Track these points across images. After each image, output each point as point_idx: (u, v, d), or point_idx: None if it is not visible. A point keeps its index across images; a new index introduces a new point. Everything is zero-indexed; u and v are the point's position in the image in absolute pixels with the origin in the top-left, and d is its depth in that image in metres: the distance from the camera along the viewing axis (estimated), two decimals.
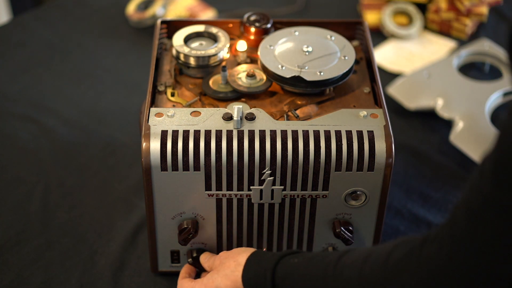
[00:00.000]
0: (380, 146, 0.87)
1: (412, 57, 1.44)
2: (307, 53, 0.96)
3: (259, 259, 0.84)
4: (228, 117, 0.89)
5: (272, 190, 0.90)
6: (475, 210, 0.61)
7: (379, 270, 0.70)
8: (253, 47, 1.01)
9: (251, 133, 0.87)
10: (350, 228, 0.93)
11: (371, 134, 0.88)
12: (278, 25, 1.04)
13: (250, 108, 0.92)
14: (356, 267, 0.73)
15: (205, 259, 0.93)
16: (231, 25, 1.05)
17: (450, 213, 0.66)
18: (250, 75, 0.96)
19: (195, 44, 1.00)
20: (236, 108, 0.88)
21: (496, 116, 1.27)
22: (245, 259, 0.85)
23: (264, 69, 0.95)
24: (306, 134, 0.87)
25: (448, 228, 0.65)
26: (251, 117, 0.89)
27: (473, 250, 0.62)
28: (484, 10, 1.48)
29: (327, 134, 0.87)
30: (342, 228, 0.92)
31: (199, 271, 0.97)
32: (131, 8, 1.51)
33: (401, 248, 0.70)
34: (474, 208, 0.62)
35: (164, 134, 0.87)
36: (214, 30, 1.01)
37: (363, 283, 0.72)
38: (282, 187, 0.89)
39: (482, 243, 0.61)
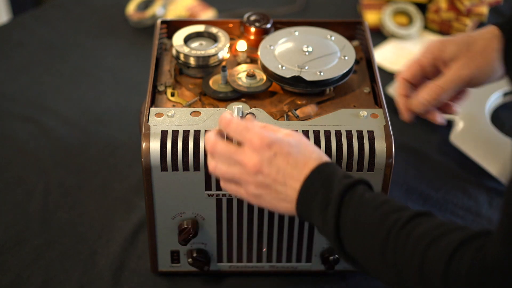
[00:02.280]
0: (380, 146, 0.87)
1: (412, 57, 1.43)
2: (307, 53, 0.96)
3: (332, 169, 0.76)
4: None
5: None
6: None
7: (438, 280, 0.66)
8: (253, 47, 1.01)
9: None
10: None
11: (371, 134, 0.88)
12: (278, 25, 1.04)
13: (250, 108, 0.92)
14: (417, 253, 0.67)
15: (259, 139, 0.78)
16: (231, 25, 1.05)
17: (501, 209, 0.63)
18: (250, 75, 0.96)
19: (195, 44, 1.00)
20: (236, 108, 0.88)
21: (496, 116, 1.27)
22: (317, 161, 0.77)
23: (264, 69, 0.95)
24: (306, 134, 0.87)
25: (504, 226, 0.62)
26: None
27: None
28: (484, 10, 1.48)
29: (327, 134, 0.87)
30: None
31: (199, 271, 0.97)
32: (131, 8, 1.51)
33: (464, 257, 0.65)
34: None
35: (164, 134, 0.87)
36: (214, 30, 1.01)
37: (422, 279, 0.67)
38: None
39: None
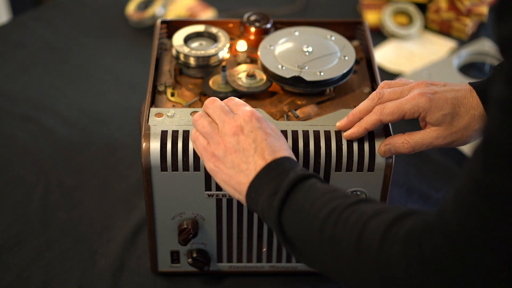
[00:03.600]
0: None
1: (412, 57, 1.44)
2: (307, 53, 0.96)
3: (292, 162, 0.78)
4: None
5: None
6: (464, 197, 0.58)
7: (375, 248, 0.65)
8: (253, 47, 1.01)
9: None
10: None
11: (371, 134, 0.88)
12: (278, 25, 1.04)
13: None
14: (354, 233, 0.67)
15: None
16: (231, 25, 1.05)
17: (439, 202, 0.62)
18: (250, 75, 0.96)
19: (195, 44, 1.00)
20: None
21: None
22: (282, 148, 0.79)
23: (264, 69, 0.95)
24: (306, 134, 0.87)
25: (438, 218, 0.61)
26: None
27: (463, 238, 0.58)
28: (484, 10, 1.48)
29: (327, 134, 0.87)
30: None
31: (199, 271, 0.97)
32: (131, 8, 1.51)
33: (403, 227, 0.64)
34: (463, 195, 0.59)
35: (164, 134, 0.87)
36: (214, 30, 1.01)
37: (359, 247, 0.66)
38: None
39: (470, 231, 0.58)
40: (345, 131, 0.87)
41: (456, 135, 0.84)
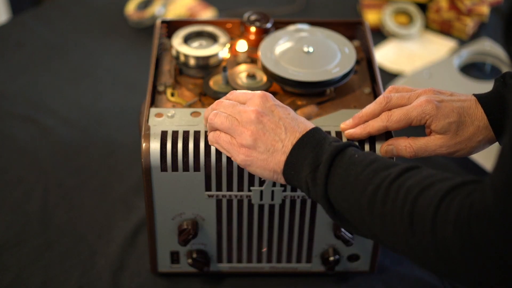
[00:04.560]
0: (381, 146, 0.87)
1: (413, 57, 1.43)
2: (307, 53, 0.96)
3: (322, 134, 0.80)
4: None
5: (272, 191, 0.89)
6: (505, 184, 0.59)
7: (430, 214, 0.66)
8: (253, 47, 1.01)
9: None
10: None
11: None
12: (279, 25, 1.04)
13: None
14: (408, 201, 0.68)
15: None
16: (231, 24, 1.05)
17: (495, 161, 0.63)
18: (250, 75, 0.95)
19: (195, 44, 1.00)
20: None
21: None
22: (303, 132, 0.80)
23: (264, 69, 0.95)
24: None
25: (496, 176, 0.61)
26: None
27: None
28: (485, 9, 1.47)
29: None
30: (342, 229, 0.92)
31: (199, 271, 0.97)
32: (130, 8, 1.51)
33: (459, 194, 0.65)
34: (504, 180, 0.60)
35: (164, 134, 0.87)
36: (214, 30, 1.01)
37: (412, 228, 0.67)
38: (283, 188, 0.89)
39: None
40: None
41: (460, 145, 0.84)
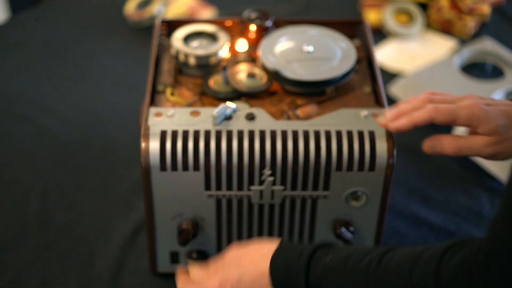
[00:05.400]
0: (381, 146, 0.87)
1: (413, 56, 1.43)
2: (308, 53, 0.95)
3: (287, 253, 0.79)
4: (227, 117, 0.88)
5: (272, 191, 0.89)
6: None
7: (431, 280, 0.67)
8: (253, 45, 1.01)
9: (251, 133, 0.87)
10: (351, 228, 0.92)
11: (372, 134, 0.87)
12: (279, 24, 1.03)
13: (250, 108, 0.91)
14: (403, 274, 0.70)
15: (200, 269, 0.85)
16: (231, 23, 1.04)
17: (488, 227, 0.65)
18: (250, 75, 0.95)
19: (194, 43, 0.99)
20: (221, 106, 0.87)
21: None
22: (271, 251, 0.80)
23: (265, 69, 0.94)
24: (306, 134, 0.87)
25: (490, 242, 0.64)
26: (251, 117, 0.88)
27: None
28: (486, 9, 1.47)
29: (328, 134, 0.87)
30: (342, 228, 0.92)
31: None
32: (130, 7, 1.51)
33: (455, 256, 0.67)
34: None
35: (163, 134, 0.87)
36: (214, 29, 1.00)
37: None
38: (283, 187, 0.89)
39: None
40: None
41: (504, 146, 0.82)
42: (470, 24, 1.47)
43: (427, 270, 0.68)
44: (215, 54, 0.97)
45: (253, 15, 1.02)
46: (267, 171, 0.87)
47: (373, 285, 0.72)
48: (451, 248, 0.68)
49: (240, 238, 0.94)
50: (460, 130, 1.19)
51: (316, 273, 0.76)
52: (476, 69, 1.39)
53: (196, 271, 0.84)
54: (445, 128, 1.25)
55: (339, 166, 0.87)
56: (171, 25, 1.04)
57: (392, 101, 1.28)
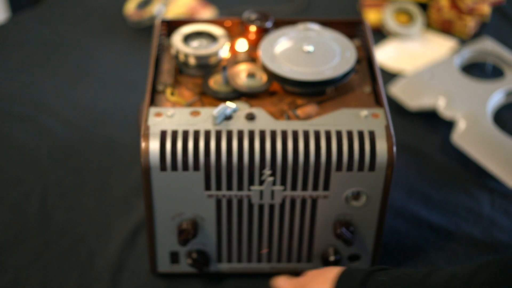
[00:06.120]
0: (381, 146, 0.87)
1: (414, 56, 1.43)
2: (308, 53, 0.95)
3: (348, 276, 0.84)
4: (227, 117, 0.88)
5: (273, 191, 0.89)
6: None
7: None
8: (254, 45, 1.01)
9: (251, 133, 0.87)
10: (351, 228, 0.92)
11: (372, 134, 0.87)
12: (279, 24, 1.03)
13: (250, 108, 0.91)
14: (443, 286, 0.75)
15: (287, 281, 0.93)
16: (231, 23, 1.04)
17: None
18: (250, 75, 0.95)
19: (194, 43, 0.99)
20: (221, 106, 0.87)
21: (499, 116, 1.27)
22: (334, 275, 0.85)
23: (265, 69, 0.94)
24: (306, 134, 0.87)
25: None
26: (251, 117, 0.88)
27: None
28: (486, 9, 1.47)
29: (328, 134, 0.87)
30: (342, 228, 0.92)
31: (199, 272, 0.96)
32: (130, 7, 1.51)
33: (487, 268, 0.71)
34: None
35: (163, 134, 0.87)
36: (214, 29, 1.00)
37: None
38: (283, 187, 0.89)
39: None
40: None
41: None
42: (470, 24, 1.47)
43: (461, 280, 0.73)
44: (215, 54, 0.97)
45: (253, 16, 1.02)
46: (267, 171, 0.87)
47: None
48: (486, 263, 0.73)
49: (240, 238, 0.94)
50: (461, 127, 1.19)
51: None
52: (476, 69, 1.39)
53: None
54: (445, 127, 1.26)
55: (339, 166, 0.87)
56: (171, 25, 1.04)
57: (392, 101, 1.28)
